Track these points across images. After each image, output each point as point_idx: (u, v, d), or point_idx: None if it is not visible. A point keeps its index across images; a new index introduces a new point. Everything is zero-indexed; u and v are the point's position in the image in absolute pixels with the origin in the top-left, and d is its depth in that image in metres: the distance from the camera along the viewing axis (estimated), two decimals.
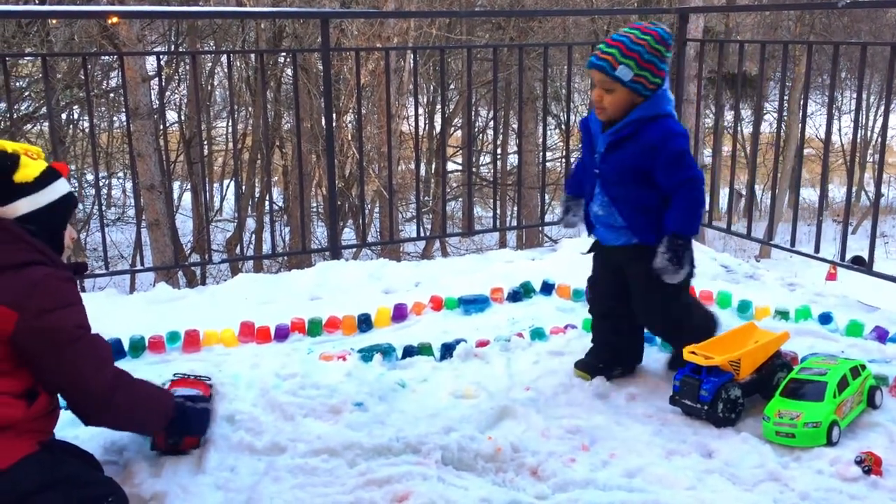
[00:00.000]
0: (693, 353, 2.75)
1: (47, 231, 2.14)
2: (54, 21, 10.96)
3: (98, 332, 2.16)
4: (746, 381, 2.75)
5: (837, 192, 20.64)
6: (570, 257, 4.58)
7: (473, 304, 3.79)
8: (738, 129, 17.98)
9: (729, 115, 15.31)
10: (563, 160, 15.36)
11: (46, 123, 10.94)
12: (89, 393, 2.10)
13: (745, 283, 4.16)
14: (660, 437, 2.59)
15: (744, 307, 3.65)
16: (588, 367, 3.03)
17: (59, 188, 2.18)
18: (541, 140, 12.89)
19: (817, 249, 4.42)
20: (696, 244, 4.78)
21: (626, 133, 2.76)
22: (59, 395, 2.17)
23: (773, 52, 12.60)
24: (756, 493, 2.32)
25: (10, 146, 2.12)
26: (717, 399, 2.63)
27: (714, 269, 4.41)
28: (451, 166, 16.49)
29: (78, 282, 2.23)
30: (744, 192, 17.33)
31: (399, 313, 3.72)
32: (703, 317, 3.07)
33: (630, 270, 2.93)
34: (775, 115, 17.69)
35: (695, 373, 2.72)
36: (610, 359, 3.03)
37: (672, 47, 2.75)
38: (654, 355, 3.23)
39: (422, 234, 9.78)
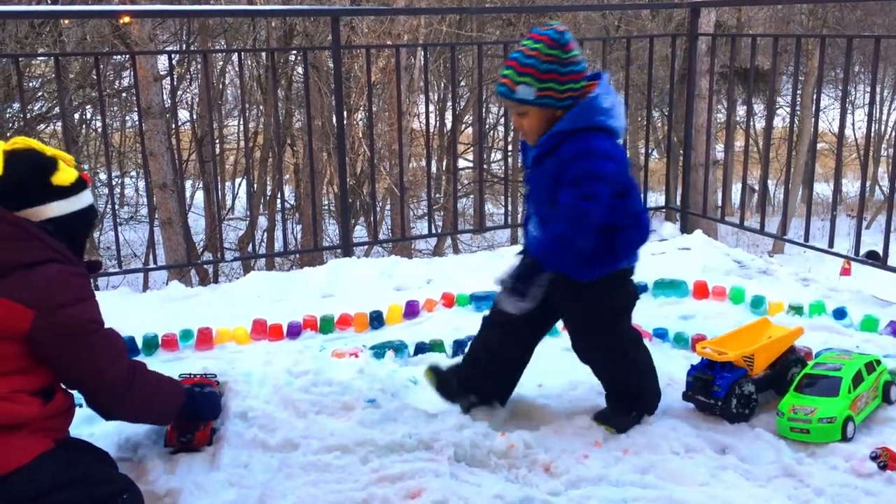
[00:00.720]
0: (706, 348, 2.74)
1: (71, 235, 2.17)
2: (66, 21, 11.01)
3: (112, 326, 2.17)
4: (760, 377, 2.73)
5: (851, 186, 20.53)
6: None
7: (485, 300, 3.77)
8: (751, 123, 17.91)
9: (741, 110, 15.22)
10: None
11: (59, 123, 11.00)
12: (107, 386, 2.12)
13: (759, 279, 4.14)
14: (673, 433, 2.58)
15: (757, 302, 3.63)
16: (441, 380, 2.78)
17: (86, 198, 2.23)
18: None
19: (831, 244, 4.40)
20: (708, 240, 4.81)
21: (549, 147, 2.43)
22: (75, 393, 2.19)
23: (785, 46, 12.52)
24: (770, 488, 2.31)
25: (47, 150, 2.17)
26: (730, 395, 2.62)
27: (727, 264, 4.39)
28: (461, 163, 16.48)
29: (91, 280, 2.25)
30: (756, 188, 17.25)
31: (411, 310, 3.72)
32: (649, 382, 2.72)
33: (557, 298, 2.58)
34: (788, 109, 17.60)
35: (708, 368, 2.70)
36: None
37: (571, 45, 2.39)
38: (667, 351, 3.22)
39: (433, 231, 9.78)
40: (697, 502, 2.21)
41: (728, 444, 2.54)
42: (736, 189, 17.82)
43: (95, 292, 2.21)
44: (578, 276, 2.47)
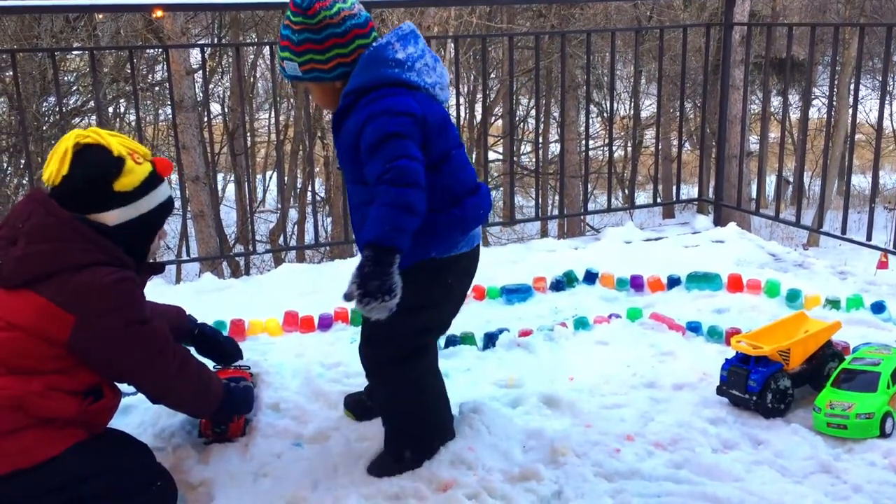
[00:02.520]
0: (741, 342, 2.71)
1: (133, 238, 2.14)
2: (100, 16, 11.15)
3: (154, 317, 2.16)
4: (796, 372, 2.69)
5: (889, 178, 20.14)
6: (614, 246, 4.54)
7: (516, 293, 3.77)
8: (786, 115, 17.65)
9: (775, 101, 15.00)
10: (606, 149, 15.19)
11: (94, 117, 11.15)
12: (152, 380, 2.15)
13: (794, 272, 4.08)
14: (707, 428, 2.55)
15: (793, 296, 3.57)
16: (357, 405, 2.59)
17: (159, 195, 2.18)
18: (582, 128, 12.73)
19: (869, 237, 4.32)
20: (742, 232, 4.74)
21: (344, 106, 2.14)
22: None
23: (821, 36, 12.31)
24: (807, 485, 2.28)
25: (116, 147, 2.10)
26: (765, 389, 2.58)
27: (762, 257, 4.33)
28: (491, 155, 16.43)
29: (143, 280, 2.21)
30: (791, 180, 17.00)
31: None
32: (429, 419, 2.32)
33: None
34: (823, 100, 17.32)
35: (743, 363, 2.67)
36: None
37: (319, 5, 2.06)
38: (701, 345, 3.19)
39: None
40: (732, 498, 2.18)
41: (763, 439, 2.50)
42: (770, 181, 17.57)
43: None
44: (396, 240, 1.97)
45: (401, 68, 2.10)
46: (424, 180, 2.00)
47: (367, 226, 1.95)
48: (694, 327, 3.30)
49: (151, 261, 2.29)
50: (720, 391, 2.71)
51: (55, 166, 2.07)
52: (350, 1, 2.14)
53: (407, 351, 2.26)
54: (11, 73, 7.90)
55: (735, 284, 3.75)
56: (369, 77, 2.09)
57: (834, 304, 3.46)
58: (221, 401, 2.32)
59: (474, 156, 15.78)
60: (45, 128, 10.80)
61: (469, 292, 3.77)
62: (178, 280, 10.19)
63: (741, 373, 2.63)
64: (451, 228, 2.14)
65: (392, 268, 1.91)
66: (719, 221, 5.17)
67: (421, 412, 2.33)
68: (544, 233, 14.01)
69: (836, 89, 16.57)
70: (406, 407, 2.33)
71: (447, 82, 2.24)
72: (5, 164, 10.99)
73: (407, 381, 2.29)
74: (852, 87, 4.99)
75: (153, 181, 2.16)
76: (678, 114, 6.28)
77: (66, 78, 11.72)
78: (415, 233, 1.99)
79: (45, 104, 11.28)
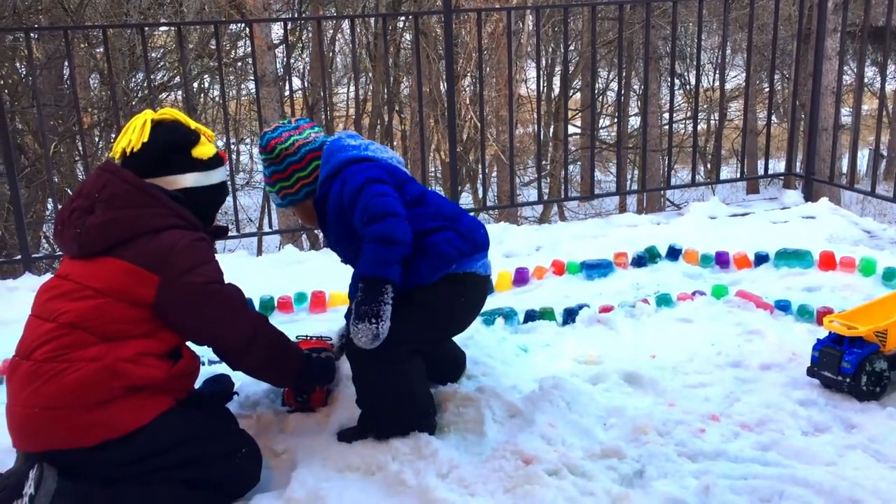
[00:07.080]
0: (834, 322, 2.60)
1: (201, 207, 2.28)
2: None
3: (232, 282, 2.22)
4: (894, 354, 2.57)
5: None
6: (698, 221, 4.43)
7: (596, 268, 3.71)
8: (884, 86, 16.84)
9: (869, 72, 14.29)
10: (687, 122, 14.77)
11: (181, 92, 11.44)
12: (230, 341, 2.19)
13: (891, 249, 3.90)
14: (796, 410, 2.46)
15: (890, 275, 3.42)
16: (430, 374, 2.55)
17: (220, 174, 2.34)
18: (663, 101, 12.41)
19: None
20: (835, 208, 4.55)
21: (322, 193, 2.37)
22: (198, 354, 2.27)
23: None
24: None
25: (192, 124, 2.30)
26: (860, 371, 2.48)
27: (855, 233, 4.16)
28: (570, 129, 16.19)
29: (213, 243, 2.34)
30: (885, 154, 16.27)
31: (520, 277, 3.69)
32: (391, 405, 2.30)
33: None
34: None
35: (836, 343, 2.56)
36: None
37: (275, 141, 2.39)
38: (790, 324, 3.08)
39: (541, 198, 9.69)
40: (824, 483, 2.09)
41: (857, 423, 2.40)
42: (862, 155, 16.84)
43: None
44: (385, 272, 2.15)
45: (357, 150, 2.40)
46: (403, 210, 2.21)
47: (359, 262, 2.17)
48: (783, 306, 3.19)
49: (217, 224, 2.42)
50: (811, 372, 2.61)
51: (135, 135, 2.21)
52: (306, 132, 2.46)
53: (381, 357, 2.23)
54: (103, 49, 8.15)
55: (827, 262, 3.61)
56: (333, 164, 2.37)
57: None
58: (301, 370, 2.36)
59: (552, 130, 15.59)
60: (133, 103, 11.12)
61: (548, 267, 3.76)
62: (259, 252, 10.41)
63: (834, 354, 2.53)
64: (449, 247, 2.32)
65: (380, 296, 2.11)
66: (810, 197, 4.98)
67: (389, 411, 2.32)
68: (623, 208, 13.77)
69: None
70: (376, 404, 2.33)
71: (401, 161, 2.52)
72: (97, 139, 11.37)
73: (378, 382, 2.29)
74: None
75: (218, 159, 2.34)
76: (765, 86, 6.05)
77: (153, 54, 12.01)
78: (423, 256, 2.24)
79: (133, 80, 11.62)
